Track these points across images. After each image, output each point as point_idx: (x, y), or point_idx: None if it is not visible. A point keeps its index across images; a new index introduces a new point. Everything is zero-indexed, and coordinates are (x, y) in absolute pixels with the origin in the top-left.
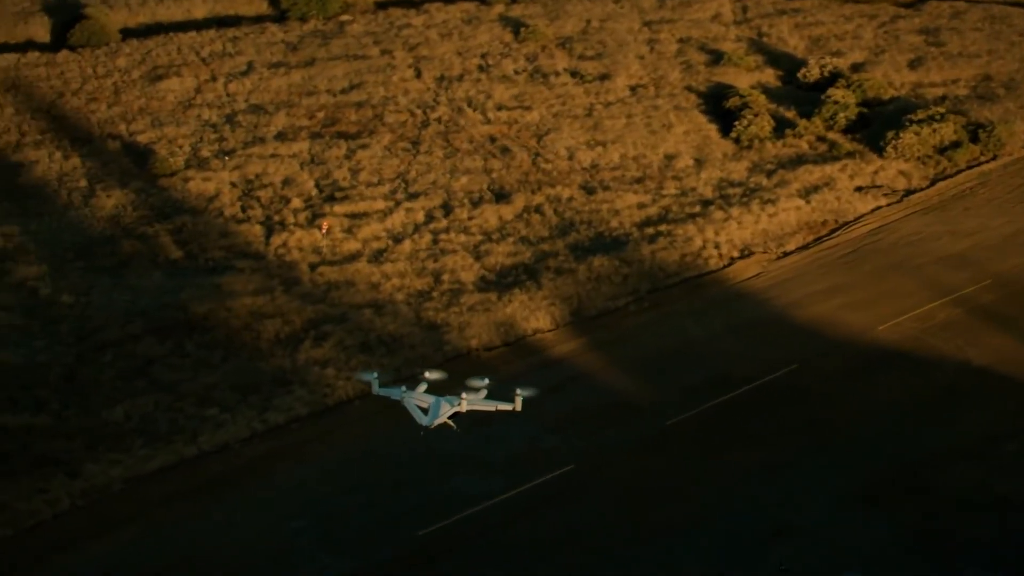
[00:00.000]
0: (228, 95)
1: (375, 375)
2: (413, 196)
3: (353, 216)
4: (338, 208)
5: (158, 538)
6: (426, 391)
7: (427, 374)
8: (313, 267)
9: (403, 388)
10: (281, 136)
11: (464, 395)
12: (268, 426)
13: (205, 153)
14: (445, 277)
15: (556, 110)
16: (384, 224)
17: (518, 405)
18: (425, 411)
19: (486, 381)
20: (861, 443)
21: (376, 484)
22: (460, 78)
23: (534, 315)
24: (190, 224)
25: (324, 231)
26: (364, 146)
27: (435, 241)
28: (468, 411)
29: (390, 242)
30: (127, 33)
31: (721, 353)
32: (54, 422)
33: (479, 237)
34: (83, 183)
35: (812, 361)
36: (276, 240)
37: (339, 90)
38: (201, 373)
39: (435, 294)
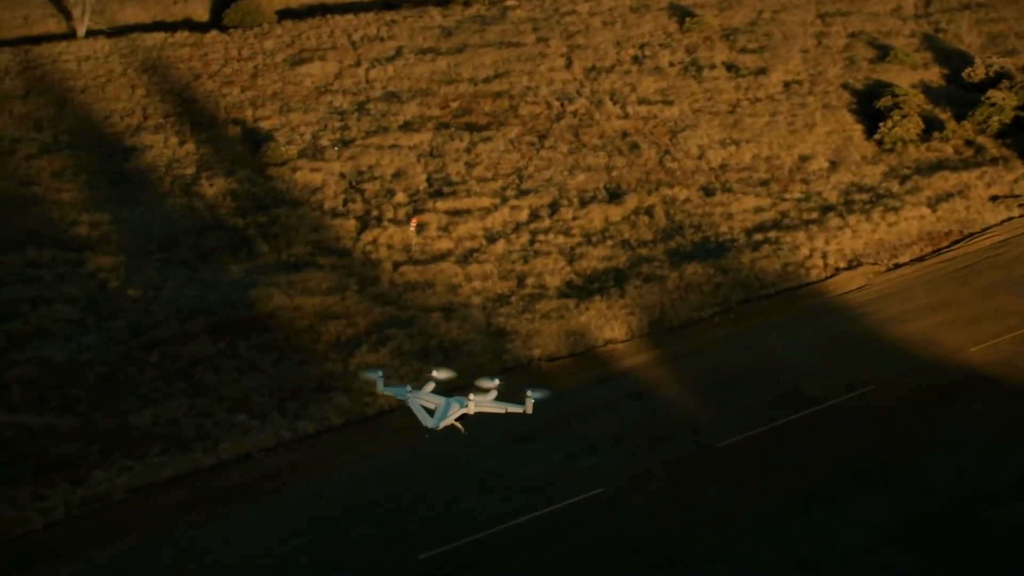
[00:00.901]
0: (367, 81)
1: (380, 373)
2: (523, 193)
3: (454, 213)
4: (441, 204)
5: (148, 552)
6: (434, 391)
7: (435, 373)
8: (397, 266)
9: (408, 388)
10: (406, 126)
11: (471, 396)
12: (297, 435)
13: (324, 142)
14: (529, 281)
15: (699, 105)
16: (484, 222)
17: (529, 408)
18: (432, 412)
19: (496, 382)
20: (917, 474)
21: (391, 501)
22: (610, 69)
23: (609, 324)
24: (284, 217)
25: (412, 228)
26: (488, 139)
27: (532, 242)
28: (477, 413)
29: (484, 242)
30: (284, 14)
31: (797, 371)
32: (80, 424)
33: (578, 239)
34: (190, 170)
35: (890, 383)
36: (367, 236)
37: (481, 79)
38: (246, 376)
39: (514, 299)
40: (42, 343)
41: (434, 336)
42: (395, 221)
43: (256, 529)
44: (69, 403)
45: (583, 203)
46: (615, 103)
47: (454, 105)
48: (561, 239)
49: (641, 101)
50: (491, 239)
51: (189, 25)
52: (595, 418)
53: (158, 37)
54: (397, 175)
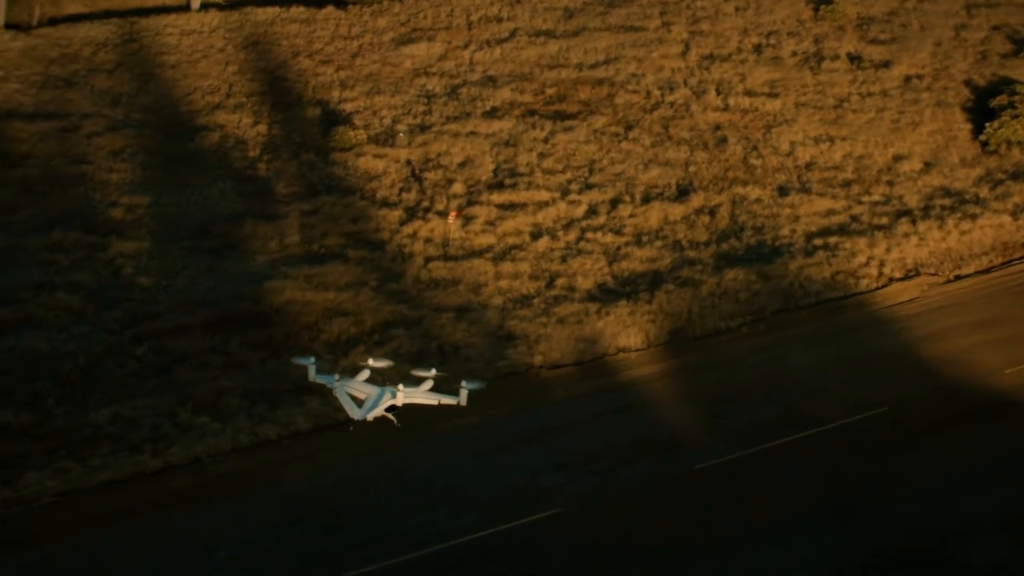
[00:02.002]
0: (469, 64)
1: (312, 360)
2: (588, 188)
3: (508, 207)
4: (496, 197)
5: (59, 562)
6: (367, 380)
7: (371, 361)
8: (428, 262)
9: (336, 376)
10: (491, 113)
11: (401, 387)
12: (256, 440)
13: (401, 127)
14: (560, 282)
15: (805, 99)
16: (535, 218)
17: (463, 399)
18: (361, 403)
19: (433, 371)
20: (904, 505)
21: (331, 515)
22: (727, 58)
23: (627, 331)
24: (328, 205)
25: (451, 221)
26: (570, 129)
27: (579, 240)
28: (408, 404)
29: (528, 238)
30: None
31: (811, 388)
32: (37, 420)
33: (627, 238)
34: (254, 153)
35: (908, 404)
36: (408, 229)
37: (588, 64)
38: (228, 375)
39: (536, 301)
40: (30, 332)
41: (437, 338)
42: (443, 213)
43: (179, 540)
44: (35, 397)
45: (646, 200)
46: (719, 94)
47: (550, 92)
48: (609, 238)
49: (747, 93)
50: (536, 236)
51: (309, 0)
52: (577, 432)
53: (271, 12)
54: (463, 164)
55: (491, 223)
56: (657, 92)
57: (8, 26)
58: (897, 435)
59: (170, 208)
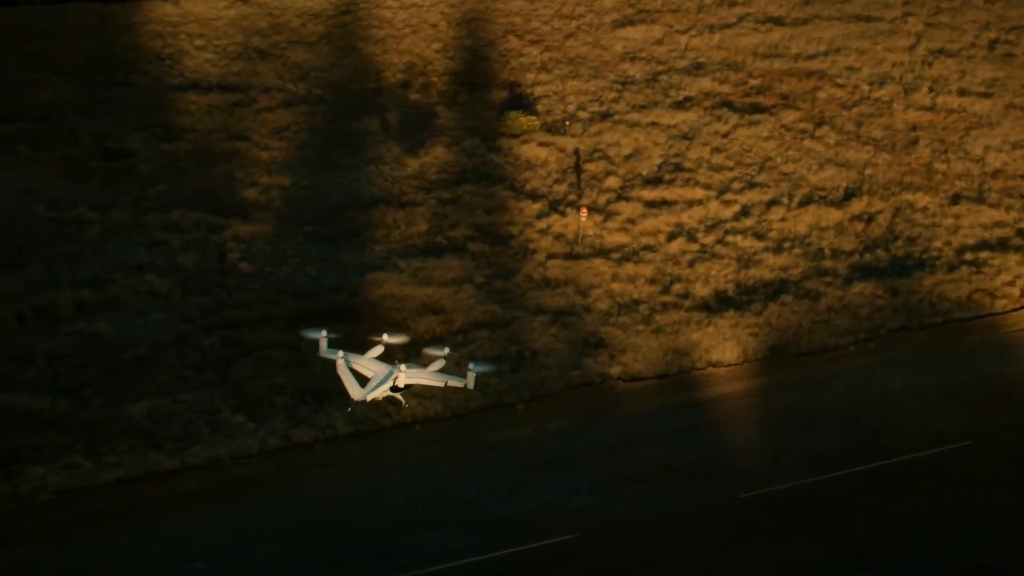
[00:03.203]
0: (683, 50)
1: (324, 333)
2: (750, 187)
3: (657, 204)
4: (648, 193)
5: (33, 565)
6: (378, 358)
7: (385, 336)
8: (548, 259)
9: (340, 352)
10: (681, 103)
11: (402, 367)
12: (286, 443)
13: (584, 114)
14: (676, 288)
15: (1019, 101)
16: (680, 217)
17: (470, 382)
18: (365, 382)
19: (445, 351)
20: (935, 549)
21: (330, 528)
22: (956, 53)
23: (723, 345)
24: (468, 195)
25: (583, 218)
26: (755, 123)
27: (718, 242)
28: (412, 384)
29: (663, 239)
30: None
31: (898, 416)
32: (71, 410)
33: (768, 243)
34: (412, 135)
35: (997, 438)
36: (542, 223)
37: (806, 55)
38: (287, 372)
39: (642, 307)
40: (106, 315)
41: (519, 342)
42: (589, 208)
43: (155, 549)
44: (80, 386)
45: (804, 203)
46: (931, 91)
47: (753, 83)
48: (749, 242)
49: (960, 92)
50: (673, 237)
51: None
52: (629, 451)
53: None
54: (630, 156)
55: (631, 221)
56: (865, 87)
57: None
58: (973, 472)
59: (307, 190)
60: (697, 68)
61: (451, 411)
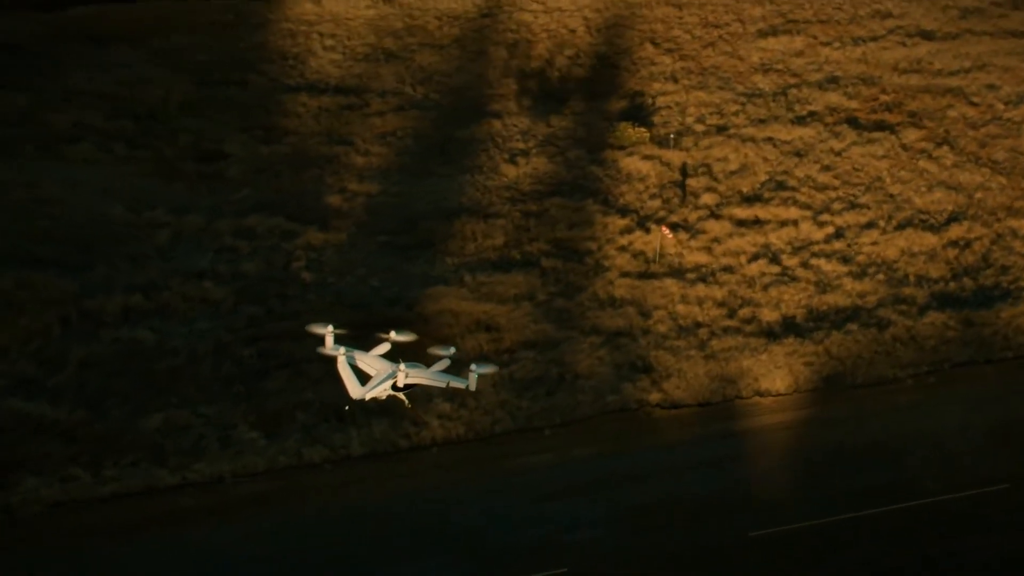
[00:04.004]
0: (820, 63)
1: (330, 327)
2: (851, 207)
3: (748, 223)
4: (742, 211)
5: None
6: (384, 356)
7: (392, 334)
8: (620, 277)
9: (341, 348)
10: (802, 119)
11: (402, 366)
12: (297, 462)
13: (700, 127)
14: (743, 312)
15: None
16: (768, 237)
17: (472, 384)
18: (367, 379)
19: (451, 350)
20: None
21: (314, 553)
22: None
23: (773, 373)
24: (555, 208)
25: (667, 234)
26: (873, 141)
27: (801, 265)
28: (415, 385)
29: (744, 260)
30: None
31: (940, 454)
32: (87, 419)
33: (852, 268)
34: (522, 145)
35: None
36: (623, 240)
37: (948, 71)
38: (317, 387)
39: (701, 331)
40: (152, 323)
41: (562, 364)
42: (673, 225)
43: (138, 565)
44: (104, 395)
45: (902, 226)
46: None
47: (884, 99)
48: (832, 266)
49: None
50: (755, 258)
51: None
52: (649, 482)
53: None
54: (734, 172)
55: (717, 240)
56: (1000, 106)
57: None
58: (995, 518)
59: (394, 198)
60: (830, 82)
61: (474, 434)
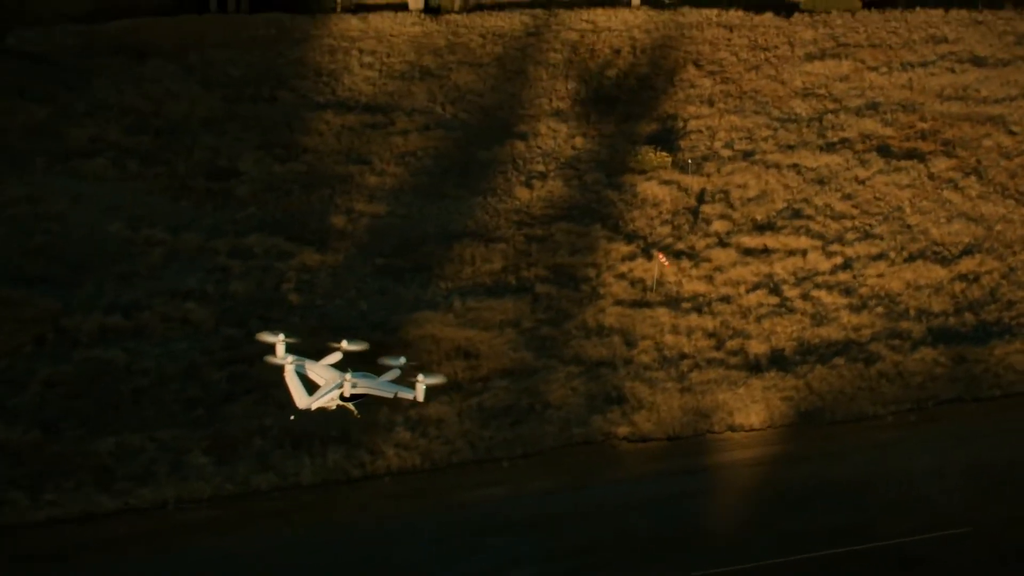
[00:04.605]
0: (863, 88)
1: (281, 336)
2: (864, 238)
3: (754, 252)
4: (750, 240)
5: None
6: (335, 365)
7: (344, 343)
8: (613, 305)
9: (289, 357)
10: (832, 146)
11: (348, 375)
12: (244, 490)
13: (727, 152)
14: (731, 344)
15: None
16: (772, 267)
17: (420, 394)
18: (315, 389)
19: (402, 360)
20: None
21: None
22: None
23: (749, 407)
24: (559, 233)
25: (663, 261)
26: (899, 170)
27: (801, 297)
28: (364, 395)
29: (743, 290)
30: (874, 3)
31: (904, 496)
32: (41, 442)
33: (853, 300)
34: (540, 167)
35: (1003, 530)
36: (624, 267)
37: (993, 99)
38: (283, 413)
39: (684, 363)
40: (126, 343)
41: (534, 394)
42: (678, 253)
43: None
44: (63, 416)
45: (912, 258)
46: None
47: (921, 126)
48: (832, 298)
49: None
50: (755, 288)
51: (780, 5)
52: (598, 518)
53: (706, 14)
54: (751, 200)
55: (719, 269)
56: None
57: (428, 9)
58: (950, 562)
59: (400, 220)
60: (869, 108)
61: (431, 464)
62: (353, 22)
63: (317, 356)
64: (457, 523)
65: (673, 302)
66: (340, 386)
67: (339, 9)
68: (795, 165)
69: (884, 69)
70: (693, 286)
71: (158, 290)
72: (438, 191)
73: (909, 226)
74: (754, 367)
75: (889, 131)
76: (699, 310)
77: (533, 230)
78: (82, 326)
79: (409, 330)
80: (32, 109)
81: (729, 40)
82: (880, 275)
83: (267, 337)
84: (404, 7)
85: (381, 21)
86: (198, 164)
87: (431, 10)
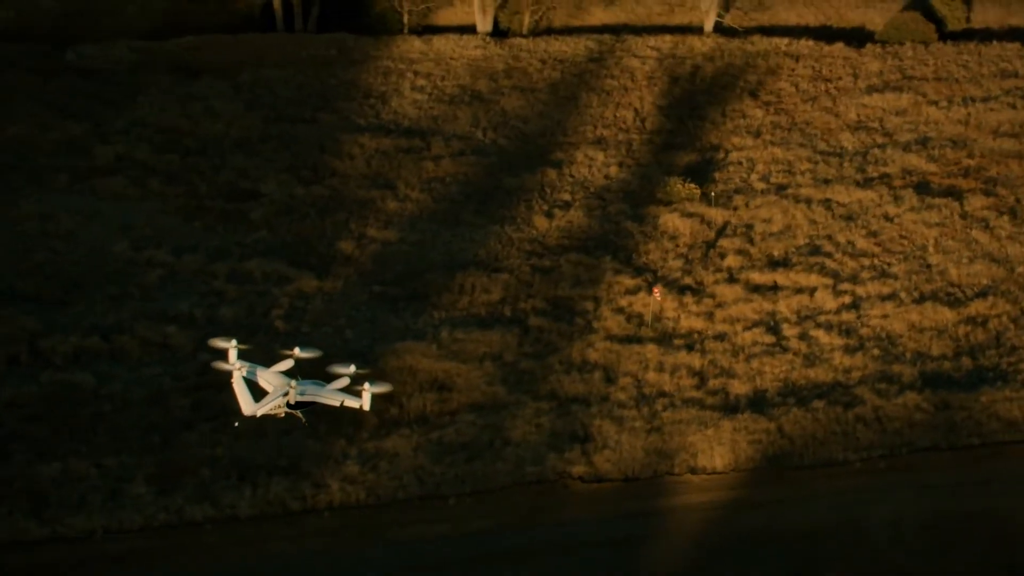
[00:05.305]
0: (918, 123)
1: (234, 342)
2: (879, 276)
3: (762, 289)
4: (761, 276)
5: None
6: (286, 372)
7: (297, 351)
8: (605, 340)
9: (238, 364)
10: (870, 180)
11: (293, 383)
12: (178, 520)
13: (761, 185)
14: (713, 383)
15: None
16: (776, 306)
17: (366, 403)
18: (262, 396)
19: (351, 368)
20: None
21: None
22: None
23: (714, 450)
24: (567, 264)
25: (656, 296)
26: (932, 207)
27: (798, 336)
28: (313, 403)
29: (740, 328)
30: (950, 35)
31: (851, 548)
32: None
33: (850, 341)
34: (565, 196)
35: None
36: (624, 300)
37: None
38: (238, 443)
39: (660, 402)
40: (98, 366)
41: (497, 430)
42: (683, 287)
43: None
44: (14, 439)
45: (921, 299)
46: None
47: (967, 163)
48: (829, 339)
49: None
50: (753, 326)
51: (854, 35)
52: (538, 560)
53: (775, 43)
54: (772, 235)
55: (722, 305)
56: None
57: (495, 32)
58: None
59: (409, 248)
60: (919, 143)
61: (375, 499)
62: (416, 44)
63: (271, 364)
64: (384, 562)
65: (666, 338)
66: (286, 393)
67: (406, 31)
68: (827, 200)
69: (944, 103)
70: (691, 322)
71: (145, 313)
72: (456, 218)
73: (928, 265)
74: (730, 408)
75: (932, 167)
76: (690, 347)
77: (541, 261)
78: (58, 347)
79: (388, 360)
80: (68, 125)
81: (793, 70)
82: (885, 316)
83: (219, 343)
84: (472, 30)
85: (444, 43)
86: (220, 185)
87: (499, 33)
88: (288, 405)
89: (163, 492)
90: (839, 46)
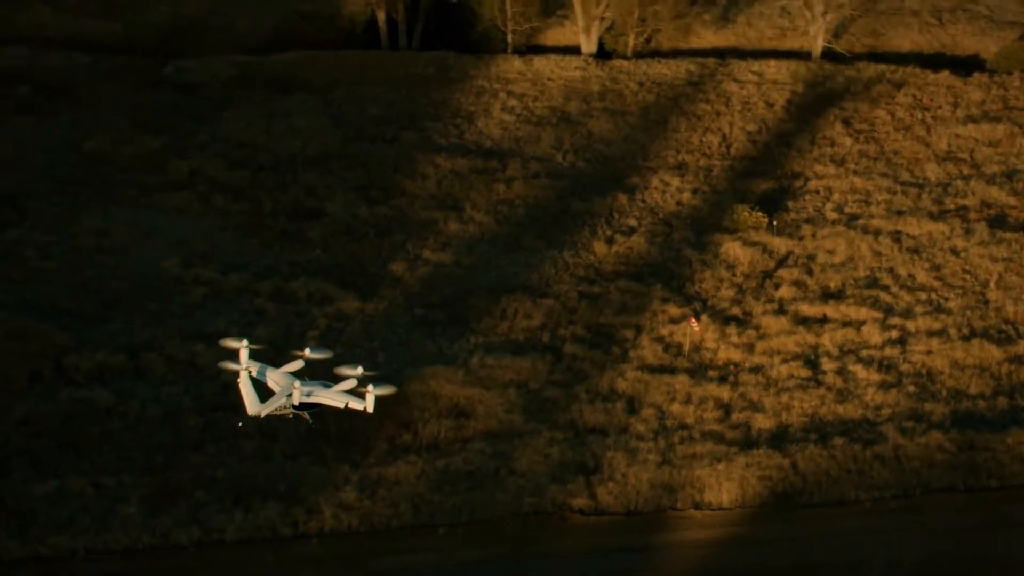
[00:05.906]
0: (1008, 155)
1: (246, 342)
2: (934, 311)
3: (809, 321)
4: (811, 308)
5: None
6: (295, 373)
7: (307, 352)
8: (638, 369)
9: (247, 364)
10: (945, 213)
11: (297, 384)
12: (163, 543)
13: (834, 215)
14: (736, 417)
15: None
16: (820, 339)
17: (369, 405)
18: (269, 397)
19: (359, 370)
20: None
21: None
22: None
23: (722, 485)
24: (616, 292)
25: (694, 326)
26: (1002, 241)
27: (836, 371)
28: (315, 404)
29: (778, 361)
30: None
31: None
32: None
33: (887, 378)
34: (631, 222)
35: None
36: (664, 329)
37: None
38: (243, 464)
39: (679, 434)
40: (119, 383)
41: (505, 459)
42: (729, 318)
43: None
44: (19, 456)
45: (970, 336)
46: None
47: None
48: (867, 374)
49: None
50: (791, 359)
51: (965, 63)
52: None
53: (882, 69)
54: (833, 266)
55: (764, 336)
56: None
57: (599, 54)
58: None
59: (461, 271)
60: (1005, 176)
61: (368, 526)
62: (516, 64)
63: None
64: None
65: (700, 369)
66: (290, 394)
67: (509, 50)
68: (896, 232)
69: None
70: (729, 353)
71: (179, 331)
72: (515, 242)
73: (986, 301)
74: (747, 443)
75: (1012, 201)
76: (723, 379)
77: (592, 287)
78: (82, 364)
79: (412, 385)
80: (146, 140)
81: (892, 98)
82: (928, 352)
83: (231, 343)
84: (578, 51)
85: (544, 64)
86: (285, 203)
87: (604, 55)
88: (294, 406)
89: (154, 513)
90: (944, 74)
